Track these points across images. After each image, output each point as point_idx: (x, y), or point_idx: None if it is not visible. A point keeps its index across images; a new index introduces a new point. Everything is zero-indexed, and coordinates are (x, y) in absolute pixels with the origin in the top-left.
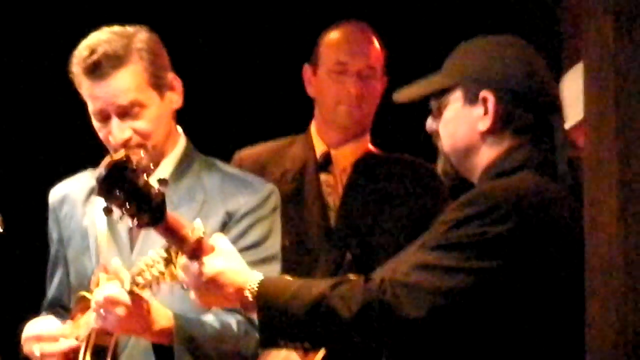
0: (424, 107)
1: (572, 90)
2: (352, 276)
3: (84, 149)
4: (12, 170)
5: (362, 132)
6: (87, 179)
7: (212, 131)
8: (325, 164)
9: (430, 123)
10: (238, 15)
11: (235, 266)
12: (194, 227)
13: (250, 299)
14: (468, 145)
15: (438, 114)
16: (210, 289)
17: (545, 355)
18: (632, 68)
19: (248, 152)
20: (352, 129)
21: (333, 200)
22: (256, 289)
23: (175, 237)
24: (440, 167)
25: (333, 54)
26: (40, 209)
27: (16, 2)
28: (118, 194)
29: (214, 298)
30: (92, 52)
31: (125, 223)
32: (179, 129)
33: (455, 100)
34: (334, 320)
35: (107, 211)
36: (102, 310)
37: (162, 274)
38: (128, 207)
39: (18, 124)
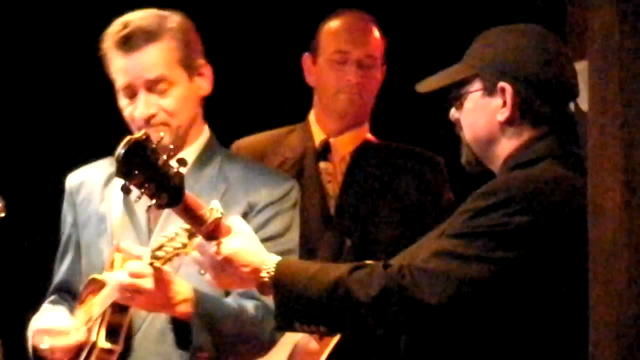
0: (427, 98)
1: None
2: (370, 262)
3: (96, 139)
4: (22, 158)
5: (361, 120)
6: (106, 165)
7: (211, 120)
8: (325, 152)
9: (452, 113)
10: (238, 4)
11: (252, 246)
12: (212, 208)
13: (267, 279)
14: (488, 136)
15: (459, 105)
16: (226, 269)
17: (559, 345)
18: (637, 60)
19: (246, 141)
20: (352, 118)
21: (332, 188)
22: (273, 270)
23: (193, 217)
24: (463, 157)
25: (333, 43)
26: (47, 198)
27: None
28: (137, 173)
29: (230, 279)
30: (125, 26)
31: (143, 203)
32: (204, 121)
33: (475, 91)
34: (352, 304)
35: (126, 190)
36: (126, 288)
37: (185, 245)
38: (147, 186)
39: (33, 114)
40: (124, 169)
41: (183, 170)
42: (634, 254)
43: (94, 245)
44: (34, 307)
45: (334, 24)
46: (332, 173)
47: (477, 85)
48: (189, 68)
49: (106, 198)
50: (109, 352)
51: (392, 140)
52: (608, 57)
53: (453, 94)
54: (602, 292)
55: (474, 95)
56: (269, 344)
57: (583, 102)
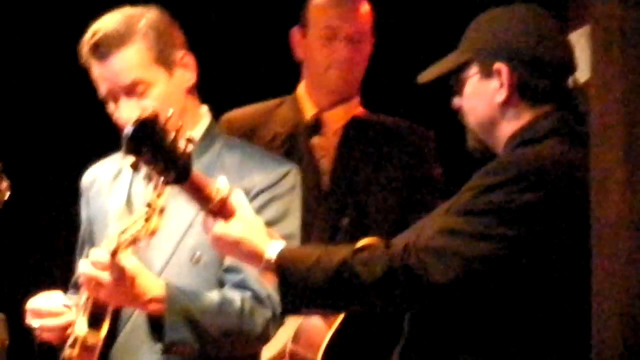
0: (418, 70)
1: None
2: (370, 240)
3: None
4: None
5: (352, 94)
6: (117, 160)
7: (200, 93)
8: (317, 126)
9: (456, 100)
10: None
11: (254, 232)
12: (218, 187)
13: (269, 268)
14: (489, 119)
15: (460, 91)
16: (230, 251)
17: (564, 321)
18: (639, 33)
19: (236, 114)
20: (343, 93)
21: (326, 163)
22: (275, 258)
23: (199, 195)
24: (468, 142)
25: (322, 19)
26: (54, 177)
27: None
28: (145, 150)
29: (234, 257)
30: (94, 33)
31: (143, 196)
32: (203, 108)
33: (472, 76)
34: (357, 286)
35: (135, 167)
36: (87, 278)
37: (141, 229)
38: (155, 164)
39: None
40: (133, 147)
41: (191, 148)
42: (637, 230)
43: (101, 238)
44: (38, 283)
45: None
46: (325, 147)
47: (473, 69)
48: (167, 63)
49: (112, 191)
50: (91, 335)
51: (381, 112)
52: (610, 31)
53: (453, 81)
54: (605, 268)
55: (472, 79)
56: (261, 337)
57: (582, 73)
